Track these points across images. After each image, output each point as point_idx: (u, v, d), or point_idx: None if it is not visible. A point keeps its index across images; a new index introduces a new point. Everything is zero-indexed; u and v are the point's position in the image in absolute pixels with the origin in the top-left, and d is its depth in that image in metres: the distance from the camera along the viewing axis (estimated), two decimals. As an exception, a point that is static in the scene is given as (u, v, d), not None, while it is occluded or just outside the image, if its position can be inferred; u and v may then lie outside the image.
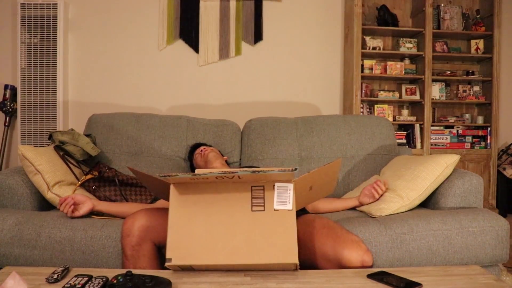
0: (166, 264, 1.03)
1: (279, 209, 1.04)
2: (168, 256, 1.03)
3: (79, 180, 1.82)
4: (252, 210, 1.05)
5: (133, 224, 1.26)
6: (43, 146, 2.92)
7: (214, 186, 1.06)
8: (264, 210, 1.04)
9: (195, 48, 3.48)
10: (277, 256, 1.01)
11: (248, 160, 2.15)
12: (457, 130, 3.65)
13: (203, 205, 1.04)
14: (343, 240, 1.22)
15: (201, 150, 1.94)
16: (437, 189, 1.76)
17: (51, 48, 3.18)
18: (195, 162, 2.00)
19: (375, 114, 3.59)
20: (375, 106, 3.61)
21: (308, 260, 1.24)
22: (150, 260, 1.26)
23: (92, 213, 1.71)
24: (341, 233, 1.26)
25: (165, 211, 1.22)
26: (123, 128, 2.15)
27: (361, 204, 1.73)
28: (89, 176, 1.81)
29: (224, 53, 3.48)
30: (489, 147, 3.61)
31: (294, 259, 1.00)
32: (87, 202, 1.56)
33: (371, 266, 1.21)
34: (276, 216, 1.03)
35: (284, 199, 1.05)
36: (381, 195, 1.68)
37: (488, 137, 3.63)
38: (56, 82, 3.18)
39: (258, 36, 3.53)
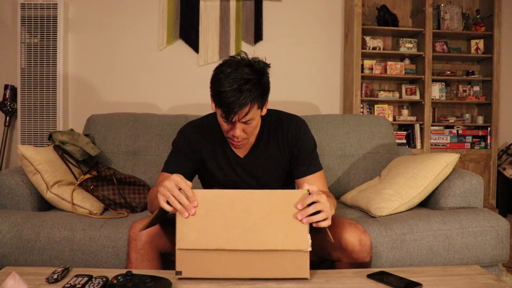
0: (176, 276, 1.02)
1: None
2: (178, 269, 1.01)
3: (78, 180, 1.82)
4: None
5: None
6: (43, 146, 2.92)
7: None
8: None
9: (195, 48, 3.48)
10: (290, 272, 1.01)
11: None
12: (457, 130, 3.65)
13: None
14: (341, 223, 1.25)
15: (234, 136, 1.28)
16: (437, 189, 1.76)
17: (51, 48, 3.18)
18: (219, 119, 1.28)
19: (375, 114, 3.58)
20: (375, 106, 3.61)
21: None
22: (152, 265, 1.25)
23: (91, 213, 1.71)
24: (338, 218, 1.28)
25: (171, 218, 1.19)
26: (121, 127, 2.15)
27: None
28: (87, 176, 1.81)
29: (224, 53, 3.48)
30: (489, 147, 3.61)
31: (306, 275, 1.01)
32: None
33: (369, 245, 1.23)
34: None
35: None
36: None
37: (488, 137, 3.63)
38: (56, 82, 3.18)
39: (258, 36, 3.52)
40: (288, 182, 1.49)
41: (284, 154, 1.40)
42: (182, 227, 1.01)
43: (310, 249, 0.99)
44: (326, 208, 1.02)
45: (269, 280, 1.01)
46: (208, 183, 1.50)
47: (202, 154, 1.41)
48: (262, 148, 1.39)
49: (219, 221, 1.00)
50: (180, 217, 1.01)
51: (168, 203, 1.02)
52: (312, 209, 1.00)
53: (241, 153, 1.40)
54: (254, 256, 1.01)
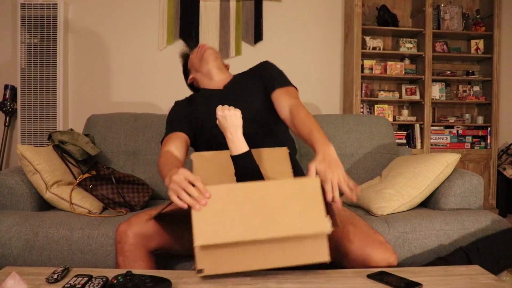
0: (197, 275, 1.01)
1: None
2: (199, 267, 1.00)
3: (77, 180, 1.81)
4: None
5: (127, 230, 1.22)
6: (43, 146, 2.92)
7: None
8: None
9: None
10: (310, 257, 1.02)
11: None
12: (457, 130, 3.65)
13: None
14: (371, 240, 1.18)
15: (199, 47, 1.75)
16: (437, 188, 1.76)
17: (51, 48, 3.18)
18: (189, 63, 1.82)
19: (375, 114, 3.58)
20: (375, 106, 3.61)
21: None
22: (141, 266, 1.22)
23: (89, 212, 1.71)
24: (368, 232, 1.21)
25: (164, 216, 1.17)
26: (121, 127, 2.15)
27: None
28: (86, 175, 1.81)
29: (224, 53, 3.48)
30: (489, 147, 3.61)
31: (326, 258, 1.02)
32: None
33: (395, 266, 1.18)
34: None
35: None
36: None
37: (488, 137, 3.63)
38: (56, 82, 3.18)
39: (258, 36, 3.53)
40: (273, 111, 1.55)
41: (256, 76, 1.63)
42: (199, 223, 0.98)
43: (330, 229, 0.99)
44: (339, 180, 1.08)
45: (269, 280, 1.02)
46: (206, 132, 1.54)
47: (192, 108, 1.60)
48: (238, 77, 1.67)
49: (236, 213, 1.00)
50: (196, 213, 0.98)
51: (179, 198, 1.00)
52: (336, 192, 1.06)
53: (220, 86, 1.64)
54: (274, 245, 1.01)
